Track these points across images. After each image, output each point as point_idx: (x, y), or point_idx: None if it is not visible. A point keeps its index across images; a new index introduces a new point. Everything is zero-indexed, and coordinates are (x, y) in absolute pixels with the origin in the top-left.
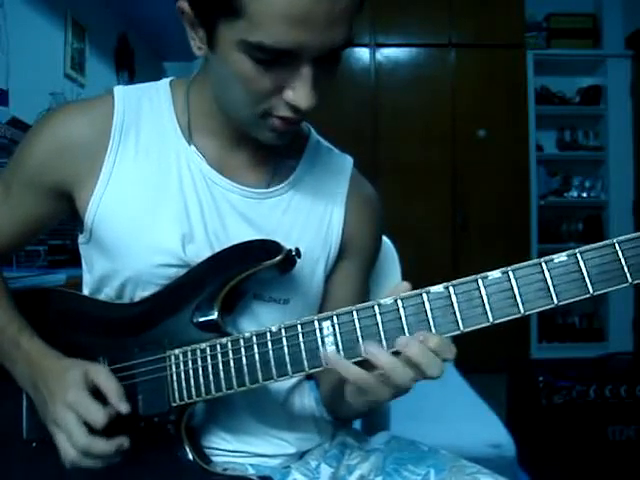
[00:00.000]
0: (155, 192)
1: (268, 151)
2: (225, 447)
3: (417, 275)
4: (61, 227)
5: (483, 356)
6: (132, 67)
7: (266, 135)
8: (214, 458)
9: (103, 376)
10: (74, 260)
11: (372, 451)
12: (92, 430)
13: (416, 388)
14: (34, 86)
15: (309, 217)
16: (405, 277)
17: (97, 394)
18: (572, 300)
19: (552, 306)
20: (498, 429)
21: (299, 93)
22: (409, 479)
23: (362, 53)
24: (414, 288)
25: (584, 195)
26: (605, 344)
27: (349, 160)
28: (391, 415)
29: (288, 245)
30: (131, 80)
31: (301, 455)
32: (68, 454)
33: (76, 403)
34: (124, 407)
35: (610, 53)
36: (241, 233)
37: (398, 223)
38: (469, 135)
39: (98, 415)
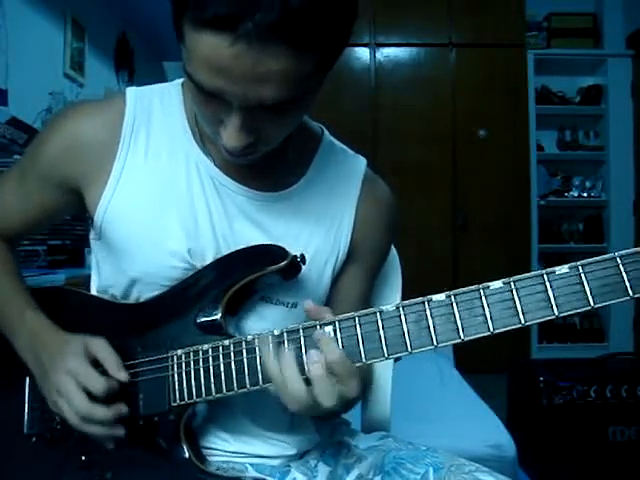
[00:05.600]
0: (164, 194)
1: (277, 154)
2: (225, 448)
3: (417, 275)
4: (61, 227)
5: (484, 357)
6: (132, 67)
7: (223, 152)
8: (214, 458)
9: (102, 348)
10: (73, 260)
11: (369, 450)
12: (92, 398)
13: (416, 388)
14: (33, 86)
15: (319, 220)
16: (406, 277)
17: (97, 366)
18: (573, 312)
19: (553, 317)
20: (498, 429)
21: (226, 133)
22: (408, 478)
23: (362, 53)
24: (414, 288)
25: (584, 195)
26: (605, 344)
27: (362, 161)
28: (391, 415)
29: (296, 249)
30: (130, 80)
31: (301, 455)
32: (70, 420)
33: (76, 370)
34: (123, 376)
35: (611, 53)
36: (249, 237)
37: (398, 223)
38: (469, 135)
39: (98, 382)
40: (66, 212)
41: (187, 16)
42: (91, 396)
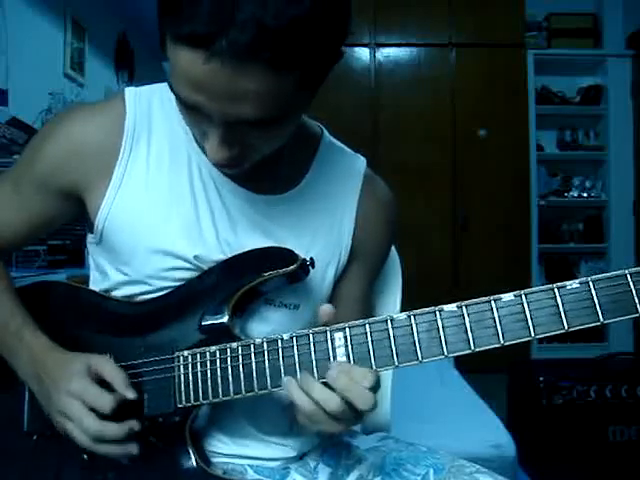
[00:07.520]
0: (167, 196)
1: (277, 156)
2: (224, 450)
3: (417, 275)
4: (61, 227)
5: (484, 357)
6: (132, 67)
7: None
8: (214, 460)
9: (107, 365)
10: (74, 260)
11: (370, 450)
12: (101, 416)
13: (416, 388)
14: (34, 86)
15: (320, 222)
16: (406, 277)
17: (102, 384)
18: (582, 327)
19: (562, 331)
20: (498, 429)
21: (208, 145)
22: (408, 479)
23: (362, 53)
24: (415, 288)
25: (584, 195)
26: (605, 344)
27: (362, 161)
28: (392, 418)
29: (299, 251)
30: (130, 80)
31: (301, 456)
32: (82, 442)
33: (80, 391)
34: (130, 393)
35: (611, 53)
36: (252, 240)
37: (398, 223)
38: (469, 135)
39: (104, 400)
40: (64, 219)
41: (166, 29)
42: (99, 415)
